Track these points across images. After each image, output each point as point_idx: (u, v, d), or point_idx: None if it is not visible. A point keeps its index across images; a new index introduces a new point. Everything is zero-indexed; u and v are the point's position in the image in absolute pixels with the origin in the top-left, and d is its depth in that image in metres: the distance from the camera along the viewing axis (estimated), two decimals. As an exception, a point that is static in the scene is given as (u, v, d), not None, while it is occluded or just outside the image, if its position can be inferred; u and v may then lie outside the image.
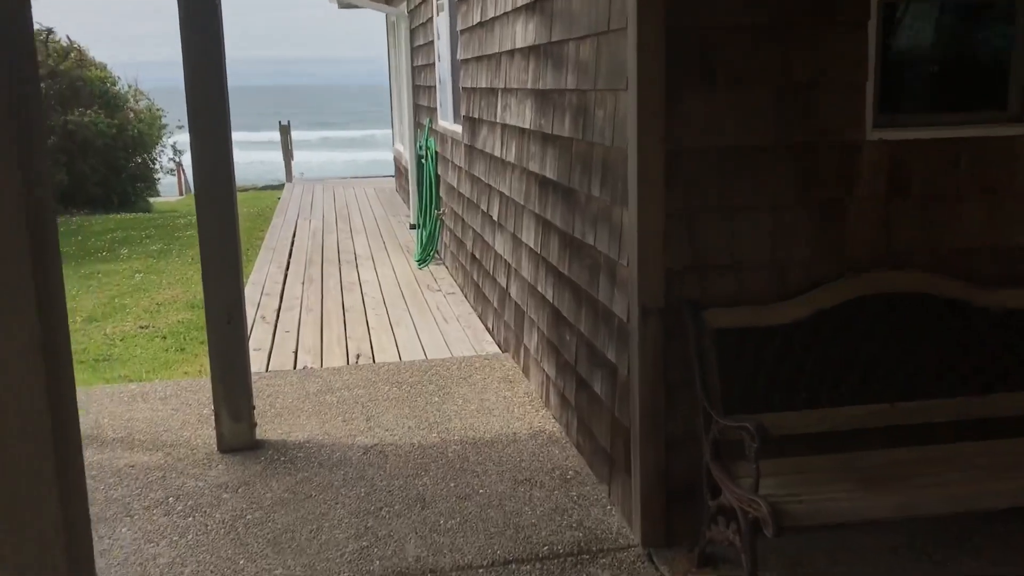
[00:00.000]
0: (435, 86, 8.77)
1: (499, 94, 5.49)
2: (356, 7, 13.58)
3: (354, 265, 8.94)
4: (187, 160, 31.33)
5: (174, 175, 21.84)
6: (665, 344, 3.15)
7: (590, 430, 3.89)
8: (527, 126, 4.75)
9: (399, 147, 14.26)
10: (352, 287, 7.95)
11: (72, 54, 16.88)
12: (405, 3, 10.81)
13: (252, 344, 6.21)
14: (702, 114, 3.06)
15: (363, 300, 7.48)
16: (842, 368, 3.14)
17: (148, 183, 19.82)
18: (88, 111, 17.46)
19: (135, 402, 5.10)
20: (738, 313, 3.11)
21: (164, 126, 19.61)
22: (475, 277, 6.88)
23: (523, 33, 4.71)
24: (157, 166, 20.11)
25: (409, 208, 12.04)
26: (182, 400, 5.11)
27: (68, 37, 17.29)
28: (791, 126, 3.12)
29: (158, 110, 19.48)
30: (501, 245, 5.70)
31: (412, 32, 10.49)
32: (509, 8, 5.00)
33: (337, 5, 14.63)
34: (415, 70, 10.51)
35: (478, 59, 6.14)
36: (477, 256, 6.71)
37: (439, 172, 8.75)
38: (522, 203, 5.00)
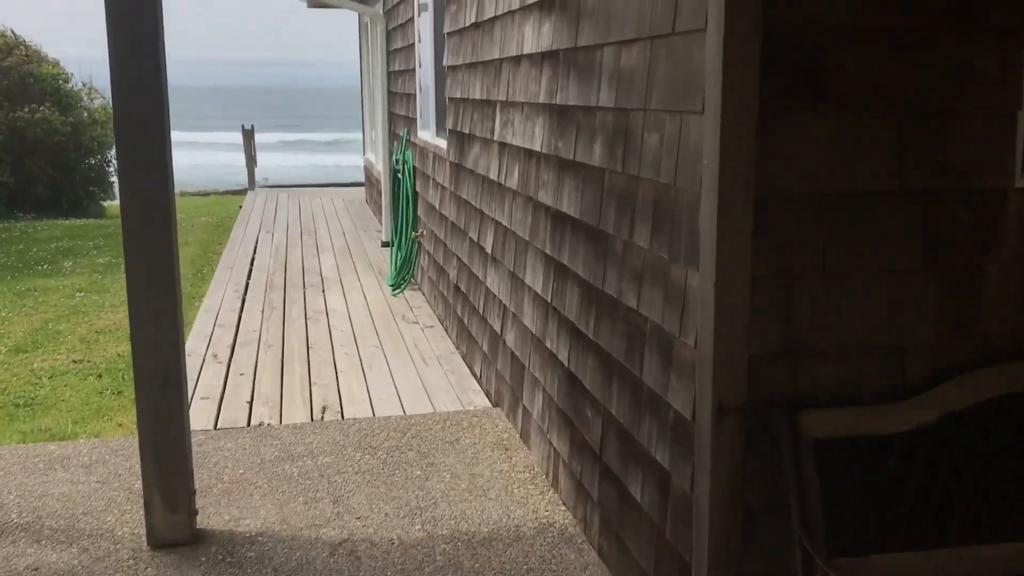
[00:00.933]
0: (415, 94, 7.93)
1: (498, 107, 4.67)
2: (328, 6, 12.70)
3: (320, 289, 8.06)
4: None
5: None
6: (745, 454, 2.34)
7: (620, 538, 3.07)
8: (536, 148, 3.93)
9: (370, 156, 13.39)
10: (318, 317, 7.08)
11: (18, 49, 15.77)
12: (381, 2, 9.96)
13: (200, 391, 5.33)
14: (804, 148, 2.27)
15: (330, 334, 6.61)
16: (981, 493, 2.35)
17: (102, 186, 18.72)
18: (40, 108, 16.38)
19: (52, 470, 4.20)
20: (843, 417, 2.31)
21: (120, 127, 18.50)
22: (459, 311, 6.05)
23: (534, 36, 3.90)
24: (111, 168, 18.98)
25: (381, 224, 11.17)
26: (110, 468, 4.22)
27: (12, 32, 16.17)
28: (918, 166, 2.33)
29: (114, 110, 18.37)
30: (495, 282, 4.88)
31: (389, 34, 9.64)
32: (516, 6, 4.18)
33: (307, 4, 13.74)
34: (391, 76, 9.66)
35: (471, 66, 5.32)
36: (462, 289, 5.88)
37: (417, 189, 7.91)
38: (526, 238, 4.18)
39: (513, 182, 4.38)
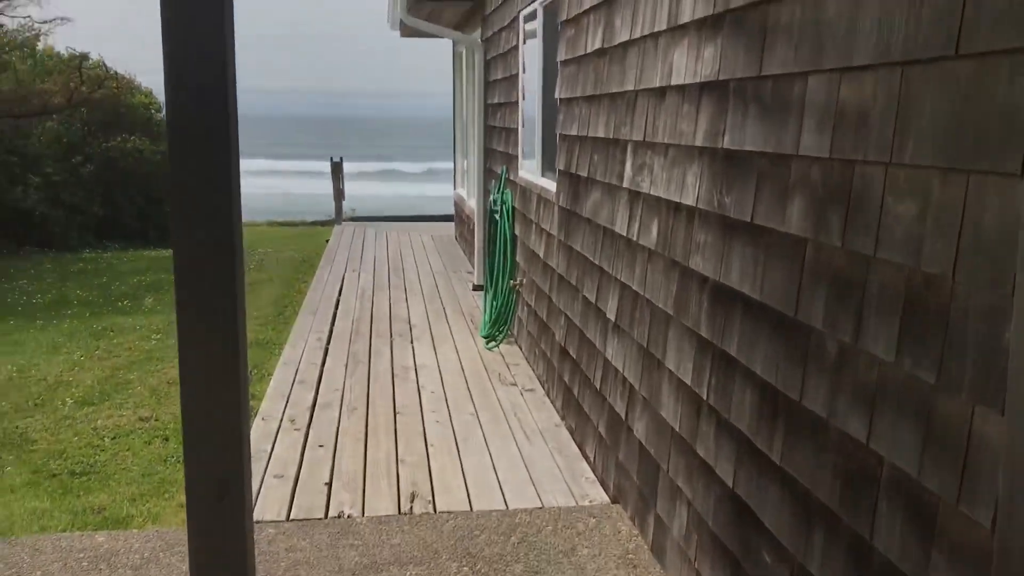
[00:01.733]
0: (516, 129, 7.23)
1: (629, 148, 3.91)
2: (423, 35, 12.19)
3: (409, 340, 7.38)
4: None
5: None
6: None
7: None
8: (687, 201, 3.15)
9: (461, 192, 12.78)
10: (406, 374, 6.38)
11: (109, 80, 15.73)
12: (480, 30, 9.34)
13: (273, 467, 4.66)
14: None
15: (420, 396, 5.90)
16: None
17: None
18: (131, 138, 16.31)
19: (96, 570, 3.55)
20: None
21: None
22: (565, 378, 5.28)
23: (691, 62, 3.12)
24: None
25: (472, 265, 10.50)
26: (163, 570, 3.55)
27: (104, 62, 16.16)
28: None
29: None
30: (618, 355, 4.09)
31: (487, 64, 9.00)
32: (661, 27, 3.42)
33: (400, 33, 13.27)
34: (488, 108, 9.00)
35: (592, 99, 4.58)
36: (571, 353, 5.10)
37: (516, 232, 7.19)
38: (667, 310, 3.39)
39: (649, 240, 3.60)
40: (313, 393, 5.93)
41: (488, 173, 9.09)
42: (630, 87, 3.85)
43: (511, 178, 7.45)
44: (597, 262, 4.48)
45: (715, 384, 2.92)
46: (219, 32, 2.39)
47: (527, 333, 6.73)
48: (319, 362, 6.69)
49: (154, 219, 17.25)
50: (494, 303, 7.44)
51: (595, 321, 4.55)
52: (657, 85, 3.49)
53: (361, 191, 48.31)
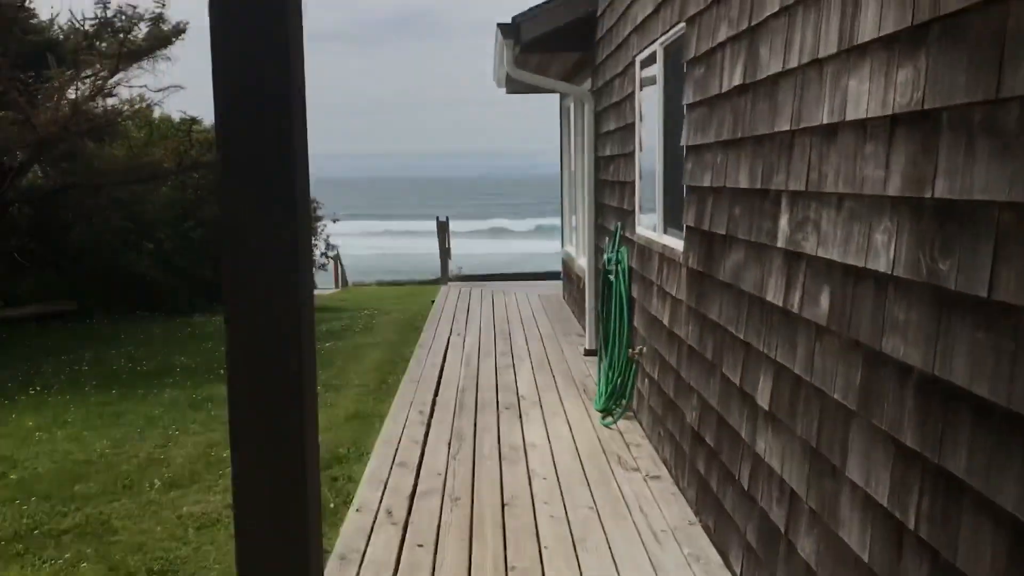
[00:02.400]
0: (632, 182, 6.61)
1: (784, 200, 3.23)
2: (528, 91, 11.79)
3: (517, 413, 6.76)
4: (344, 250, 30.59)
5: (325, 270, 20.67)
6: None
7: None
8: (878, 267, 2.45)
9: (570, 250, 12.20)
10: (515, 456, 5.75)
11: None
12: (590, 80, 8.82)
13: (366, 568, 4.08)
14: None
15: (530, 483, 5.25)
16: None
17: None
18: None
19: None
20: None
21: (319, 218, 18.42)
22: (700, 467, 4.55)
23: (876, 90, 2.45)
24: (320, 252, 18.90)
25: (583, 328, 9.85)
26: None
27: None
28: None
29: (313, 202, 18.34)
30: (774, 452, 3.37)
31: (598, 116, 8.45)
32: (831, 50, 2.76)
33: (505, 90, 12.90)
34: (599, 162, 8.43)
35: (729, 144, 3.92)
36: (707, 440, 4.39)
37: (633, 295, 6.53)
38: (848, 405, 2.67)
39: (817, 313, 2.90)
40: (413, 478, 5.35)
41: (599, 230, 8.48)
42: (784, 127, 3.19)
43: (627, 235, 6.81)
44: (741, 335, 3.78)
45: (928, 511, 2.18)
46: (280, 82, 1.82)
47: (648, 408, 6.03)
48: (420, 439, 6.12)
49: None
50: (609, 373, 6.76)
51: (740, 406, 3.84)
52: (824, 122, 2.82)
53: (467, 249, 48.58)
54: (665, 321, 5.40)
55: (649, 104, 6.04)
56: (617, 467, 5.53)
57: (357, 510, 4.88)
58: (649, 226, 6.07)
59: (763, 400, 3.48)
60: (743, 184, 3.71)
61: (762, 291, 3.47)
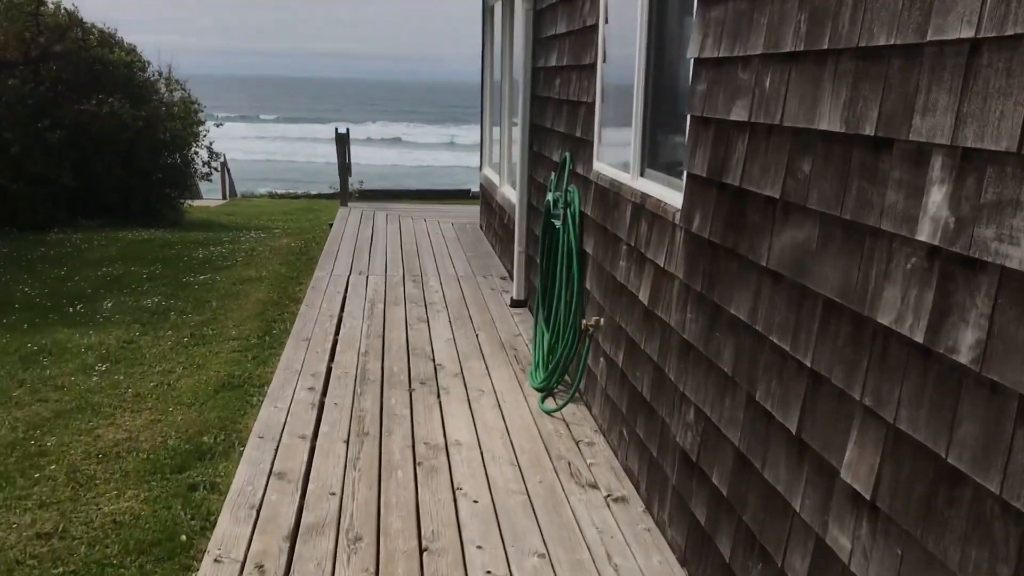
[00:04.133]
0: (591, 103, 5.17)
1: (938, 162, 1.86)
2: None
3: (435, 392, 5.37)
4: (233, 156, 28.16)
5: (210, 180, 18.57)
6: None
7: None
8: None
9: (491, 175, 10.72)
10: (434, 462, 4.38)
11: (73, 31, 13.55)
12: (528, -28, 7.22)
13: None
14: None
15: (456, 510, 3.90)
16: None
17: (179, 189, 16.52)
18: (109, 100, 14.21)
19: None
20: None
21: (200, 122, 16.27)
22: (697, 510, 3.30)
23: None
24: (191, 169, 16.73)
25: (507, 269, 8.47)
26: None
27: (66, 10, 13.93)
28: None
29: (194, 103, 16.16)
30: (878, 563, 2.08)
31: (538, 15, 6.90)
32: None
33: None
34: (539, 74, 6.92)
35: (797, 58, 2.52)
36: (715, 480, 3.11)
37: (586, 248, 5.16)
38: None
39: (1011, 370, 1.58)
40: (297, 501, 3.94)
41: (536, 159, 7.03)
42: (952, 33, 1.80)
43: (579, 171, 5.40)
44: (805, 360, 2.45)
45: None
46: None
47: (604, 396, 4.73)
48: (309, 433, 4.69)
49: (137, 193, 15.19)
50: (552, 343, 5.42)
51: (792, 461, 2.54)
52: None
53: (368, 159, 46.27)
54: (640, 295, 4.05)
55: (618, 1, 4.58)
56: (569, 481, 4.23)
57: (216, 560, 3.46)
58: (617, 163, 4.67)
59: (854, 476, 2.18)
60: (826, 125, 2.32)
61: (863, 305, 2.14)
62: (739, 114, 2.91)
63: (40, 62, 12.38)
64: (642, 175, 4.25)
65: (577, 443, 4.67)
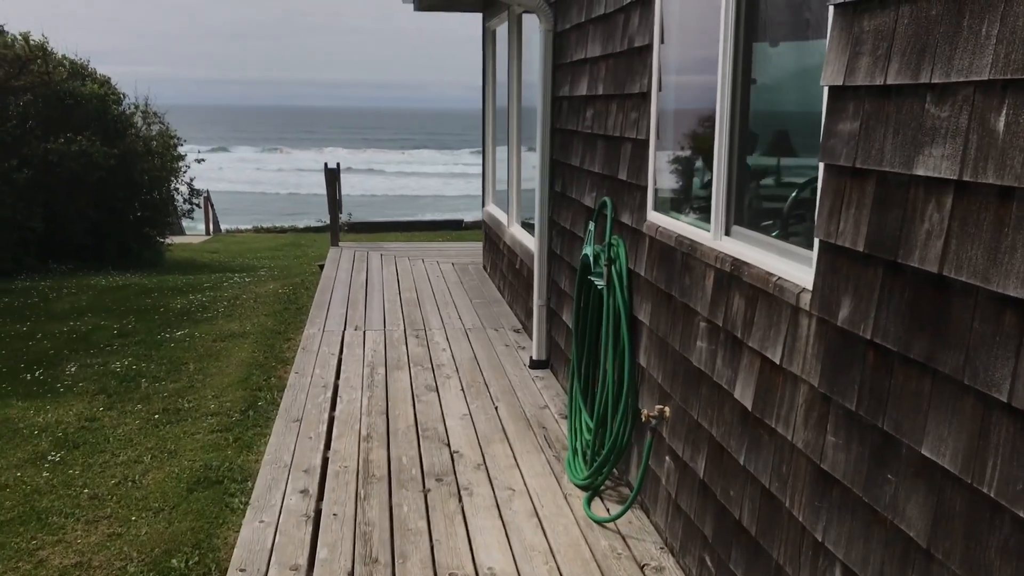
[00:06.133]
0: (643, 139, 4.25)
1: None
2: (447, 6, 9.22)
3: (455, 495, 4.40)
4: (218, 187, 27.18)
5: (191, 218, 17.60)
6: None
7: None
8: None
9: (495, 212, 9.81)
10: (466, 603, 3.41)
11: (35, 64, 12.56)
12: (545, -12, 6.33)
13: None
14: None
15: None
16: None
17: (158, 228, 15.52)
18: (79, 137, 13.26)
19: None
20: None
21: (180, 157, 15.30)
22: None
23: None
24: (172, 206, 15.70)
25: (526, 324, 7.53)
26: None
27: (25, 40, 12.92)
28: None
29: (173, 137, 15.19)
30: None
31: (560, 37, 6.01)
32: None
33: (413, 6, 10.25)
34: (560, 104, 6.01)
35: (1007, 86, 1.60)
36: None
37: (640, 317, 4.22)
38: None
39: None
40: None
41: (559, 200, 6.11)
42: None
43: (624, 220, 4.47)
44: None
45: None
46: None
47: (675, 508, 3.77)
48: (304, 563, 3.70)
49: (112, 234, 14.19)
50: (592, 427, 4.46)
51: None
52: None
53: (357, 188, 45.37)
54: (736, 393, 3.11)
55: (672, 14, 3.67)
56: (641, 630, 3.26)
57: None
58: (686, 215, 3.74)
59: None
60: None
61: None
62: (934, 167, 1.98)
63: (7, 95, 11.38)
64: (728, 234, 3.32)
65: (642, 567, 3.71)
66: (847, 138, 2.35)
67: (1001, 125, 1.79)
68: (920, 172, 2.04)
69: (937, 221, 1.99)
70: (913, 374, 2.09)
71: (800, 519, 2.64)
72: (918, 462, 2.07)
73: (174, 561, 4.07)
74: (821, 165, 2.50)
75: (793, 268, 2.75)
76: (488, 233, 10.19)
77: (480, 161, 10.76)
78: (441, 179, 56.98)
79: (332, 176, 12.20)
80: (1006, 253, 1.77)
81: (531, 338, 6.71)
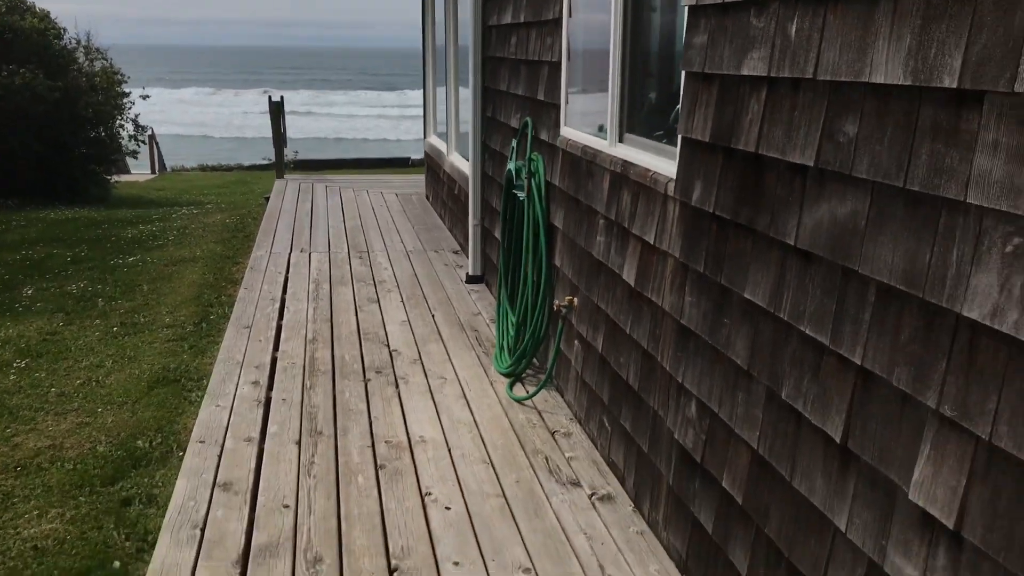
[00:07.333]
0: (555, 62, 4.74)
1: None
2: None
3: (392, 382, 4.94)
4: (161, 130, 26.98)
5: (135, 158, 17.66)
6: None
7: None
8: None
9: (436, 142, 10.22)
10: (397, 463, 3.96)
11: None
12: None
13: None
14: None
15: (426, 519, 3.50)
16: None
17: (105, 164, 15.64)
18: (21, 70, 13.30)
19: None
20: None
21: (125, 94, 15.37)
22: (701, 515, 2.96)
23: None
24: (117, 143, 15.79)
25: (459, 241, 8.03)
26: None
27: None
28: None
29: (117, 74, 15.24)
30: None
31: (489, -30, 6.42)
32: None
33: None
34: (490, 32, 6.45)
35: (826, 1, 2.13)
36: (725, 483, 2.76)
37: (555, 223, 4.75)
38: None
39: None
40: (247, 516, 3.49)
41: (489, 124, 6.58)
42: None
43: (544, 137, 4.97)
44: (854, 358, 2.09)
45: None
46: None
47: (581, 383, 4.35)
48: (256, 435, 4.22)
49: (59, 170, 14.30)
50: (516, 322, 5.02)
51: (833, 475, 2.18)
52: None
53: (302, 129, 45.03)
54: (624, 274, 3.66)
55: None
56: (548, 479, 3.85)
57: (153, 595, 3.00)
58: (590, 128, 4.25)
59: (928, 498, 1.82)
60: (882, 77, 1.94)
61: (942, 293, 1.76)
62: (754, 68, 2.51)
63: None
64: (621, 141, 3.84)
65: (552, 434, 4.29)
66: (699, 49, 2.87)
67: (793, 31, 2.31)
68: (745, 72, 2.57)
69: (756, 111, 2.52)
70: (740, 235, 2.64)
71: (668, 369, 3.22)
72: (743, 304, 2.63)
73: (139, 442, 4.55)
74: (683, 73, 3.02)
75: (665, 164, 3.29)
76: (430, 164, 10.61)
77: (422, 96, 11.13)
78: (390, 120, 56.67)
79: (276, 109, 12.47)
80: (796, 130, 2.31)
81: (468, 257, 7.22)
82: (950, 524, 1.75)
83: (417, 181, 12.33)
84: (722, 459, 2.80)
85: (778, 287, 2.42)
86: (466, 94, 7.22)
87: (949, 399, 1.76)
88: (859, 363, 2.05)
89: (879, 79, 1.95)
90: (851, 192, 2.07)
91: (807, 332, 2.27)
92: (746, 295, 2.60)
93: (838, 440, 2.14)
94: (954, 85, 1.71)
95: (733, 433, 2.71)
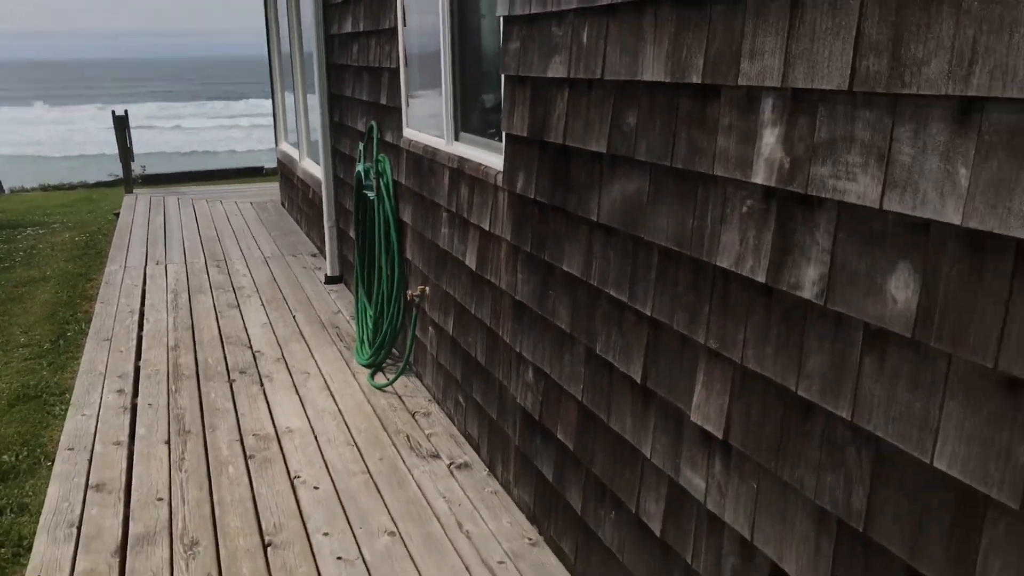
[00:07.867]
0: (395, 68, 5.05)
1: (768, 104, 1.92)
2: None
3: (257, 380, 5.14)
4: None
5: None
6: None
7: None
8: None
9: (288, 149, 10.34)
10: (265, 451, 4.20)
11: None
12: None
13: None
14: None
15: (296, 498, 3.76)
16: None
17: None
18: None
19: None
20: None
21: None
22: (545, 468, 3.34)
23: None
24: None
25: (324, 250, 8.23)
26: None
27: None
28: None
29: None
30: (736, 511, 2.17)
31: (328, -19, 6.66)
32: None
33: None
34: (333, 41, 6.69)
35: (614, 10, 2.53)
36: (560, 435, 3.15)
37: (404, 218, 5.07)
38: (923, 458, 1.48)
39: (850, 303, 1.66)
40: (122, 511, 3.65)
41: (338, 129, 6.82)
42: (774, -22, 1.84)
43: (389, 140, 5.27)
44: (645, 310, 2.50)
45: None
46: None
47: (437, 366, 4.68)
48: (125, 438, 4.36)
49: None
50: (374, 316, 5.31)
51: (637, 408, 2.60)
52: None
53: (145, 144, 43.48)
54: (467, 260, 4.01)
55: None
56: (410, 454, 4.17)
57: (35, 587, 3.16)
58: (429, 129, 4.59)
59: (704, 418, 2.24)
60: (650, 76, 2.35)
61: (703, 249, 2.19)
62: (557, 71, 2.90)
63: None
64: (457, 139, 4.20)
65: (413, 415, 4.61)
66: (514, 54, 3.25)
67: (585, 39, 2.71)
68: (551, 75, 2.96)
69: (561, 108, 2.92)
70: (557, 217, 3.03)
71: (508, 342, 3.59)
72: (564, 277, 3.02)
73: (5, 457, 4.59)
74: (503, 77, 3.39)
75: (495, 159, 3.65)
76: (283, 171, 10.71)
77: (272, 105, 11.20)
78: (242, 130, 55.36)
79: (121, 123, 12.24)
80: (592, 123, 2.71)
81: (326, 259, 7.43)
82: (720, 435, 2.18)
83: (272, 189, 12.36)
84: (556, 415, 3.19)
85: (588, 258, 2.82)
86: (314, 101, 7.42)
87: (713, 334, 2.18)
88: (650, 315, 2.47)
89: (648, 77, 2.36)
90: (635, 173, 2.48)
91: (612, 294, 2.68)
92: (565, 268, 2.99)
93: (639, 381, 2.55)
94: (700, 80, 2.14)
95: (563, 390, 3.10)
